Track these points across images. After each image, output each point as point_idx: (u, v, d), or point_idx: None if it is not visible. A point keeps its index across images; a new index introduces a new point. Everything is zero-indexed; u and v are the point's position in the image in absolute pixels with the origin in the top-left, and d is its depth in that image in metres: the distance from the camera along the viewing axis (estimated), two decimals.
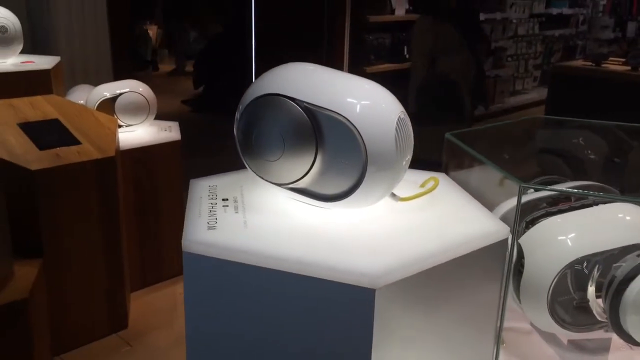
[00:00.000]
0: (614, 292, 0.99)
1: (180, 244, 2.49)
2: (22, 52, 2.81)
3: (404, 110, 0.99)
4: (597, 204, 1.13)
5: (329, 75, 1.00)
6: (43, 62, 2.74)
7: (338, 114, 0.94)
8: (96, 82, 3.22)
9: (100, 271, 2.34)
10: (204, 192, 1.09)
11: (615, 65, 4.26)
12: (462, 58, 3.77)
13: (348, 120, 0.94)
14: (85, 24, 3.53)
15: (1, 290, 1.91)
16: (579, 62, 4.29)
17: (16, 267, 2.04)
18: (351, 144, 0.94)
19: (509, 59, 6.71)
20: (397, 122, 0.96)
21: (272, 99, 0.97)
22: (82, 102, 2.73)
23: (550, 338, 1.22)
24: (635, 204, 1.09)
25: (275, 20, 5.45)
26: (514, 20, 6.60)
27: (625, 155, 1.55)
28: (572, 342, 1.18)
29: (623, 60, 4.29)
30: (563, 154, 1.53)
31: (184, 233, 0.93)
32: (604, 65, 4.25)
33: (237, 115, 1.03)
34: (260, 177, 1.03)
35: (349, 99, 0.96)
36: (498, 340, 1.07)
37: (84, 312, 2.33)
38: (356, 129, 0.94)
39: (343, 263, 0.84)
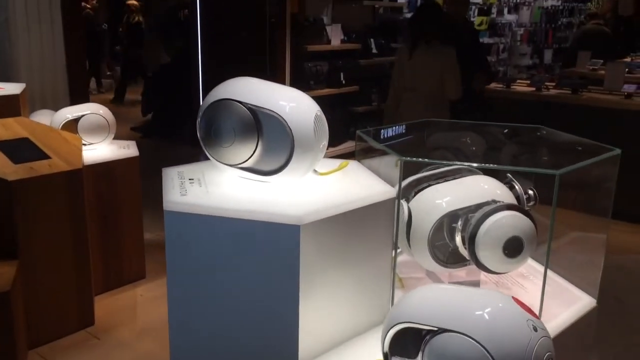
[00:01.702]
0: (469, 235, 1.40)
1: (139, 249, 2.86)
2: None
3: (320, 109, 1.39)
4: (464, 178, 1.56)
5: (266, 85, 1.39)
6: (11, 88, 3.02)
7: (273, 111, 1.33)
8: (54, 107, 3.50)
9: (69, 272, 2.61)
10: (174, 175, 1.45)
11: (522, 86, 4.87)
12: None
13: (280, 116, 1.33)
14: (43, 55, 3.81)
15: None
16: (491, 85, 4.86)
17: None
18: (282, 133, 1.33)
19: None
20: (314, 118, 1.36)
21: (225, 102, 1.35)
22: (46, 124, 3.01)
23: (437, 281, 1.62)
24: (483, 173, 1.54)
25: (219, 50, 5.85)
26: None
27: (500, 148, 2.01)
28: (452, 283, 1.59)
29: (528, 82, 4.91)
30: (453, 149, 1.98)
31: (164, 198, 1.29)
32: (512, 87, 4.85)
33: (199, 115, 1.40)
34: (217, 160, 1.40)
35: (281, 102, 1.35)
36: (393, 279, 1.46)
37: (55, 310, 2.59)
38: (286, 122, 1.33)
39: (278, 210, 1.22)
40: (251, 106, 1.34)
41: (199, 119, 1.42)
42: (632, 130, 4.05)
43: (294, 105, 1.35)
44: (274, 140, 1.34)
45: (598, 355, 2.60)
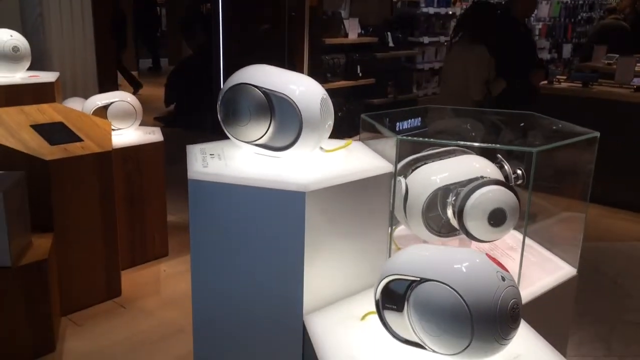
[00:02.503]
0: (458, 207, 1.57)
1: (163, 228, 3.08)
2: None
3: (326, 93, 1.57)
4: (457, 157, 1.73)
5: (277, 71, 1.57)
6: (47, 76, 3.25)
7: (284, 94, 1.51)
8: (84, 95, 3.73)
9: (99, 246, 2.83)
10: (197, 151, 1.64)
11: None
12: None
13: (290, 99, 1.51)
14: (75, 46, 4.05)
15: (25, 254, 2.41)
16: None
17: (33, 239, 2.53)
18: (292, 113, 1.51)
19: None
20: (321, 100, 1.53)
21: (243, 87, 1.54)
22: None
23: None
24: (473, 152, 1.70)
25: (240, 43, 6.05)
26: None
27: (497, 134, 2.17)
28: None
29: None
30: (453, 133, 2.14)
31: (188, 169, 1.48)
32: None
33: (219, 98, 1.59)
34: (235, 138, 1.59)
35: (291, 86, 1.53)
36: (389, 244, 1.64)
37: (85, 281, 2.81)
38: (295, 104, 1.50)
39: (287, 179, 1.41)
40: (265, 90, 1.52)
41: (219, 102, 1.60)
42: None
43: (302, 89, 1.53)
44: (284, 120, 1.52)
45: (593, 329, 2.76)
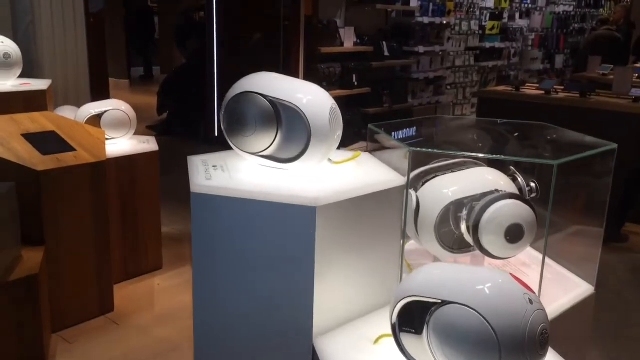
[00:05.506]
0: (473, 222, 1.50)
1: (157, 240, 2.97)
2: None
3: (335, 102, 1.50)
4: (469, 169, 1.66)
5: (285, 80, 1.50)
6: (38, 84, 3.16)
7: (292, 104, 1.44)
8: (76, 104, 3.64)
9: (91, 260, 2.73)
10: (200, 163, 1.56)
11: (531, 90, 4.94)
12: None
13: (298, 108, 1.43)
14: (67, 54, 3.95)
15: (15, 269, 2.30)
16: (501, 88, 4.94)
17: (23, 253, 2.42)
18: (300, 124, 1.44)
19: (448, 87, 7.41)
20: (330, 110, 1.46)
21: (248, 95, 1.46)
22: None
23: None
24: (485, 165, 1.63)
25: (234, 52, 5.98)
26: (451, 53, 7.33)
27: (506, 144, 2.11)
28: None
29: (537, 85, 4.98)
30: (461, 144, 2.08)
31: (191, 182, 1.40)
32: (522, 90, 4.92)
33: (223, 107, 1.51)
34: (239, 149, 1.51)
35: (299, 95, 1.45)
36: (402, 262, 1.56)
37: (77, 296, 2.71)
38: (304, 114, 1.43)
39: (296, 193, 1.33)
40: (271, 98, 1.44)
41: (222, 111, 1.53)
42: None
43: (311, 98, 1.46)
44: (292, 130, 1.45)
45: (599, 344, 2.69)
